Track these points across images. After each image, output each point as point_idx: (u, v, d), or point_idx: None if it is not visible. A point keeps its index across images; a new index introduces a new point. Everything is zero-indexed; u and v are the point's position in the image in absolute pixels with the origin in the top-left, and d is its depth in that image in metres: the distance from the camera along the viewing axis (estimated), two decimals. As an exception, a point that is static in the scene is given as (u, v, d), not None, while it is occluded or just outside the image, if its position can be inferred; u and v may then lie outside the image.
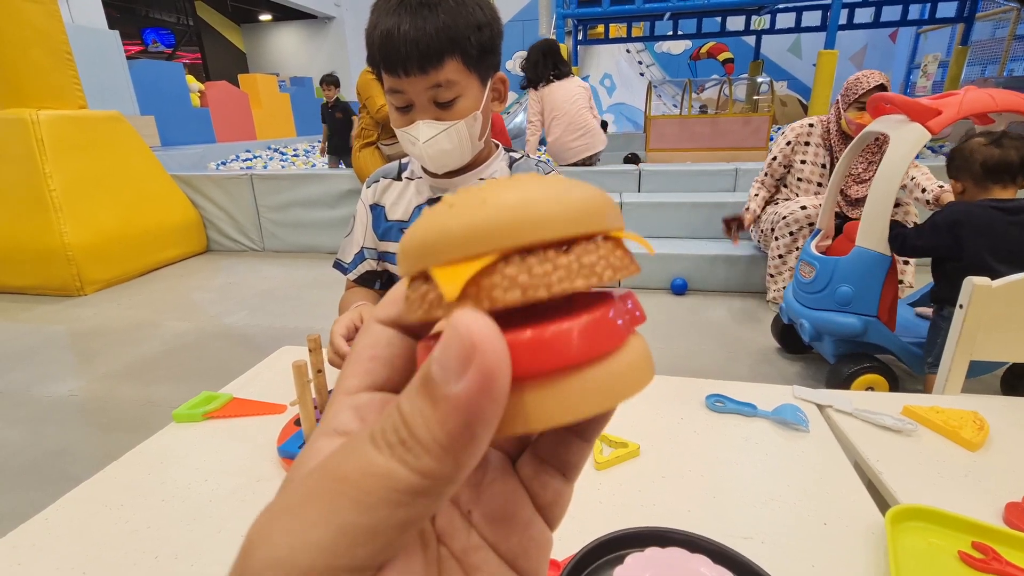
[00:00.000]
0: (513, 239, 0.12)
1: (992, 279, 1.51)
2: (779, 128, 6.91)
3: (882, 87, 2.05)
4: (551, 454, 0.17)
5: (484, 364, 0.10)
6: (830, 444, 0.63)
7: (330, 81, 4.82)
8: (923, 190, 2.07)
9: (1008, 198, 1.54)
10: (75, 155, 3.07)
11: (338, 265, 0.95)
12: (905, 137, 1.52)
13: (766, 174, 2.40)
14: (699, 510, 0.52)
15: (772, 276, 2.40)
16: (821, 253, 1.79)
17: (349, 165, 4.42)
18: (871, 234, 1.59)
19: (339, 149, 4.83)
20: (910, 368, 1.67)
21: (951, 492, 0.55)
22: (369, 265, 0.93)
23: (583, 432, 0.17)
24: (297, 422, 0.64)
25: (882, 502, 0.54)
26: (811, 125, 2.29)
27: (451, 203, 0.13)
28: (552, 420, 0.12)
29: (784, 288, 2.37)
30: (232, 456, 0.62)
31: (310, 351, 0.64)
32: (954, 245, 1.50)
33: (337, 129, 4.82)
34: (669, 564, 0.44)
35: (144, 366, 2.16)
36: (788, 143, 2.33)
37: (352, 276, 0.93)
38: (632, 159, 9.01)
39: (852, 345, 1.71)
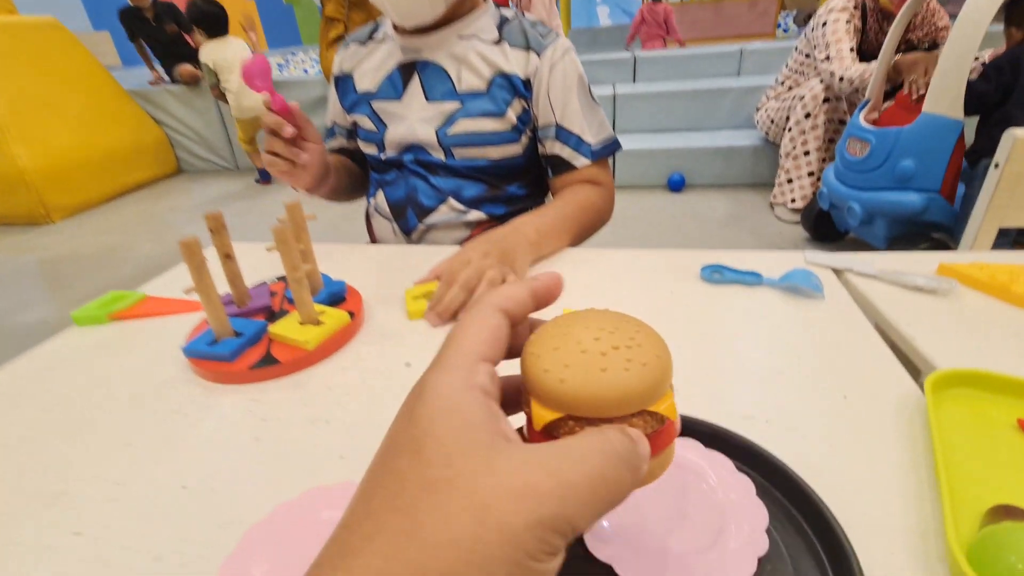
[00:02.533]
0: (577, 411, 0.19)
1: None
2: (788, 14, 6.30)
3: None
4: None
5: (644, 452, 0.18)
6: (850, 311, 0.52)
7: None
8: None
9: None
10: (10, 67, 2.79)
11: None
12: None
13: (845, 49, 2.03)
14: (690, 390, 0.42)
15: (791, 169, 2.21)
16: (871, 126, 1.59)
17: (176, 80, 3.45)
18: (943, 98, 1.38)
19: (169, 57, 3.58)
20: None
21: (1000, 355, 0.45)
22: (340, 142, 0.84)
23: None
24: (211, 318, 0.53)
25: (915, 371, 0.45)
26: None
27: (562, 378, 0.19)
28: (654, 476, 0.21)
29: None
30: (134, 361, 0.52)
31: (211, 232, 0.52)
32: (1013, 83, 1.38)
33: (163, 40, 3.51)
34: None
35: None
36: (843, 8, 2.01)
37: (328, 148, 0.84)
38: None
39: (908, 226, 1.54)
